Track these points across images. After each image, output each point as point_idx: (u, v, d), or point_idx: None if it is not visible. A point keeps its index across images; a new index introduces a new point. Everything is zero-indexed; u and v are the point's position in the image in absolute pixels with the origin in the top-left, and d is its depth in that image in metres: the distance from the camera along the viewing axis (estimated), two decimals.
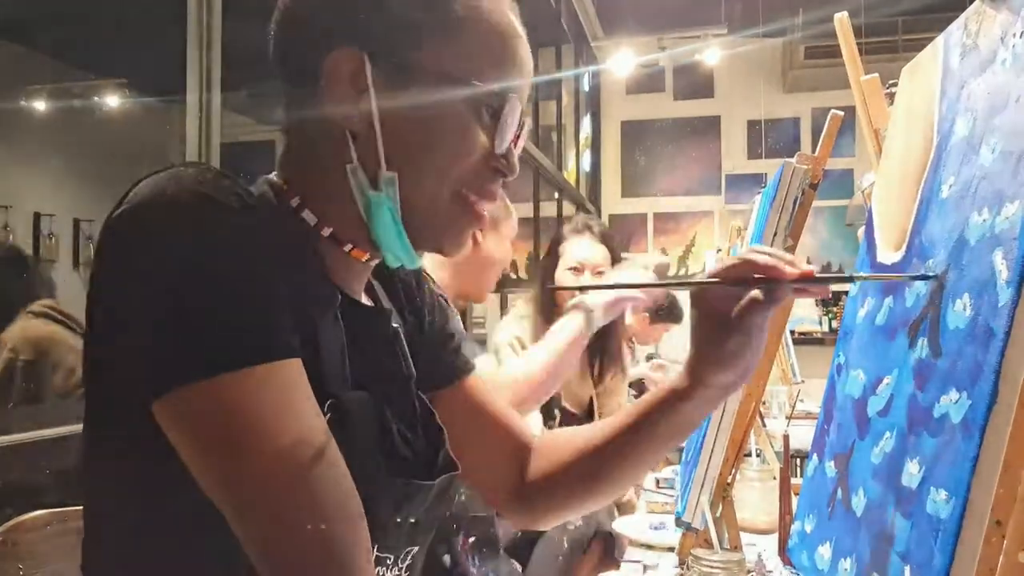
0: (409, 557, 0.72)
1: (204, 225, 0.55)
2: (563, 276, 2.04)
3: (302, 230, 0.67)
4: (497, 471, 0.87)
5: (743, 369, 0.72)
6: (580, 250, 2.04)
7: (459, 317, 0.94)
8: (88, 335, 0.60)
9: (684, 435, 0.80)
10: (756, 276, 0.68)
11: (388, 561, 0.69)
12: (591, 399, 2.21)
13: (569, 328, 1.43)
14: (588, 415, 2.18)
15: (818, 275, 0.67)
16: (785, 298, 0.69)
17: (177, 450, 0.55)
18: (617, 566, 1.44)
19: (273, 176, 0.70)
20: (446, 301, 0.90)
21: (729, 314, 0.70)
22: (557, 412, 2.00)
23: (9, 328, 2.09)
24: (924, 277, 0.68)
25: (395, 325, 0.76)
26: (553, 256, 2.09)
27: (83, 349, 0.62)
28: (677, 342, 4.24)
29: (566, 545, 1.83)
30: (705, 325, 0.72)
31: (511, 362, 1.70)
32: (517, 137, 0.68)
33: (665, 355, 4.51)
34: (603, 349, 2.15)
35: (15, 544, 0.89)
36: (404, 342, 0.76)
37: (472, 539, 1.45)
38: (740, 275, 0.69)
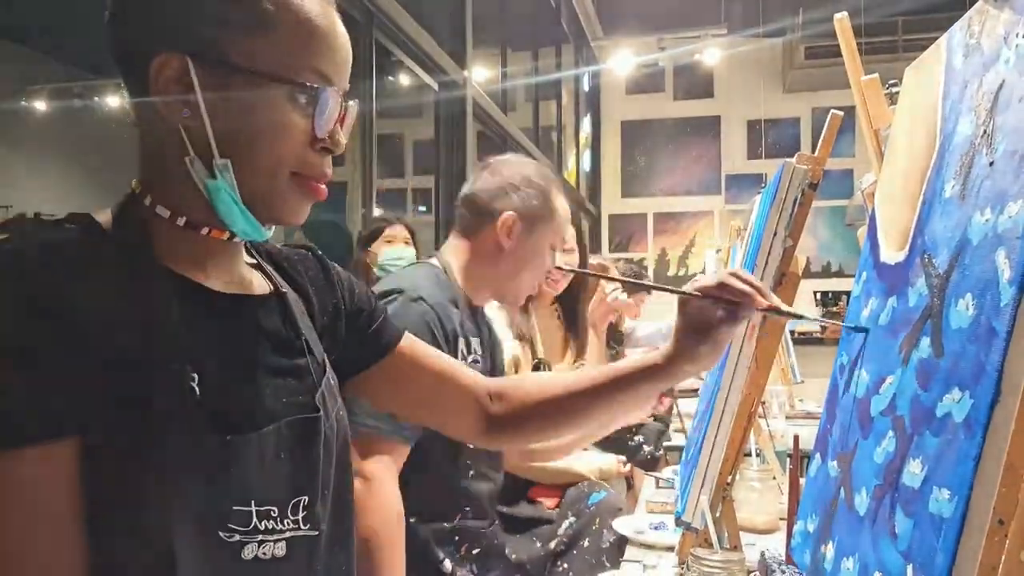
0: (302, 508, 0.75)
1: None
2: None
3: (140, 239, 0.71)
4: (459, 416, 1.00)
5: (705, 366, 0.94)
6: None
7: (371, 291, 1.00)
8: None
9: (642, 405, 1.06)
10: (727, 298, 0.87)
11: (273, 513, 0.72)
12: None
13: None
14: None
15: (782, 309, 0.88)
16: (748, 320, 0.90)
17: None
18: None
19: (135, 181, 0.75)
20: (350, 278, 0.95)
21: (705, 324, 0.88)
22: None
23: None
24: (858, 329, 0.82)
25: (268, 291, 0.82)
26: None
27: None
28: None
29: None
30: (684, 328, 0.91)
31: None
32: (342, 118, 0.75)
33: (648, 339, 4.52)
34: (576, 324, 2.46)
35: None
36: (278, 307, 0.81)
37: (476, 551, 1.46)
38: (715, 294, 0.87)
